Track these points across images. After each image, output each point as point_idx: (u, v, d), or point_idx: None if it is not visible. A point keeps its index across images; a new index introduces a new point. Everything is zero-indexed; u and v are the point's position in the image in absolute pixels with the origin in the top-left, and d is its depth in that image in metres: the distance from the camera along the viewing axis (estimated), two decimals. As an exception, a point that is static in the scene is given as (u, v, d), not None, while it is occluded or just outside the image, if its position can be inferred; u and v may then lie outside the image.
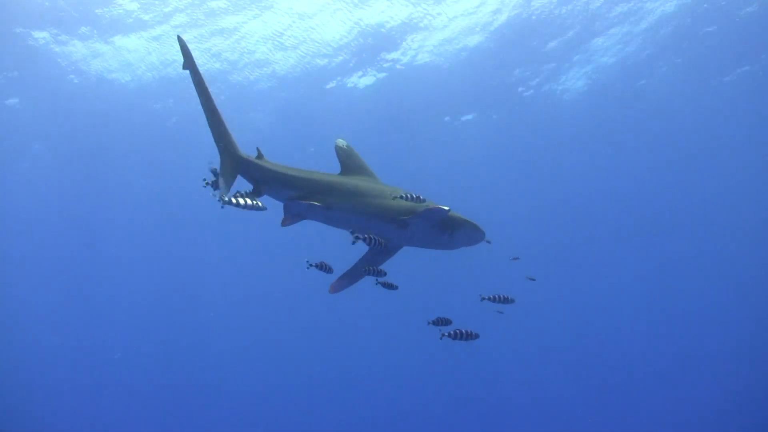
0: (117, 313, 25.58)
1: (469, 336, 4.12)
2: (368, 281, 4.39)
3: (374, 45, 14.57)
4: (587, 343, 23.94)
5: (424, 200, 4.06)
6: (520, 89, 17.35)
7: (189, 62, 4.02)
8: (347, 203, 4.15)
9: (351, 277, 4.40)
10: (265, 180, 4.21)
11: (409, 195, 3.99)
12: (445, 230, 4.18)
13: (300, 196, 4.15)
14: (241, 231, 24.66)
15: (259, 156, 4.32)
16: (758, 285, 23.84)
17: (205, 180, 4.02)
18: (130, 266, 25.89)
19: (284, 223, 4.25)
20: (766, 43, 15.06)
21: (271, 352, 24.59)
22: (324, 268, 4.26)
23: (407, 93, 16.81)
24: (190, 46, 4.12)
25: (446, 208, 3.85)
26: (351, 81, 16.46)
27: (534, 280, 6.43)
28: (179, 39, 4.07)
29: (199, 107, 4.16)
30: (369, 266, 4.28)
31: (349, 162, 4.63)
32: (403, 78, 16.10)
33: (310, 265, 4.24)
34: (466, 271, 18.72)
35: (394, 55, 15.13)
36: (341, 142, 4.72)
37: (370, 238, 3.97)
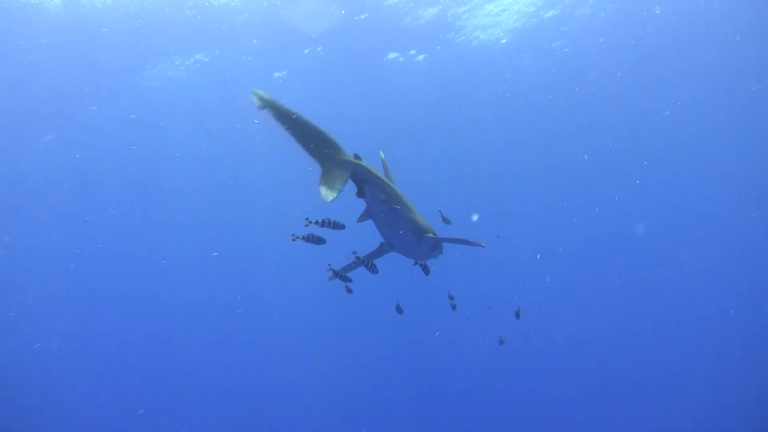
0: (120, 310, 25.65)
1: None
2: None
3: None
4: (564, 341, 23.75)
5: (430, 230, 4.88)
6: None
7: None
8: (406, 212, 4.72)
9: (348, 268, 4.92)
10: (369, 181, 4.48)
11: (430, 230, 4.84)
12: (436, 248, 5.05)
13: (386, 200, 4.59)
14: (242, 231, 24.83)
15: (358, 158, 4.51)
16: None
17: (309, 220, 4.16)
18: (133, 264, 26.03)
19: (359, 220, 4.80)
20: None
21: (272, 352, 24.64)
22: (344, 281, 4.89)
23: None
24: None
25: (483, 244, 4.58)
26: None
27: (518, 316, 6.70)
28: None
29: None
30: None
31: (386, 174, 5.05)
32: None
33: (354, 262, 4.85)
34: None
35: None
36: (382, 155, 5.20)
37: (425, 266, 4.78)
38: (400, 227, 4.77)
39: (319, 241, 4.33)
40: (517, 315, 6.35)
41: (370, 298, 20.07)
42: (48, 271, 23.94)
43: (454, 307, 5.54)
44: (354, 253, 4.20)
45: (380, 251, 5.15)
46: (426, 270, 4.79)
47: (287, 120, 4.08)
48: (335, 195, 4.04)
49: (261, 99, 4.03)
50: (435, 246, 5.08)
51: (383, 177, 4.70)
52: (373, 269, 4.39)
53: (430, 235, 4.88)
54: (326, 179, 4.14)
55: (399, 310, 5.80)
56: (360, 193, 4.50)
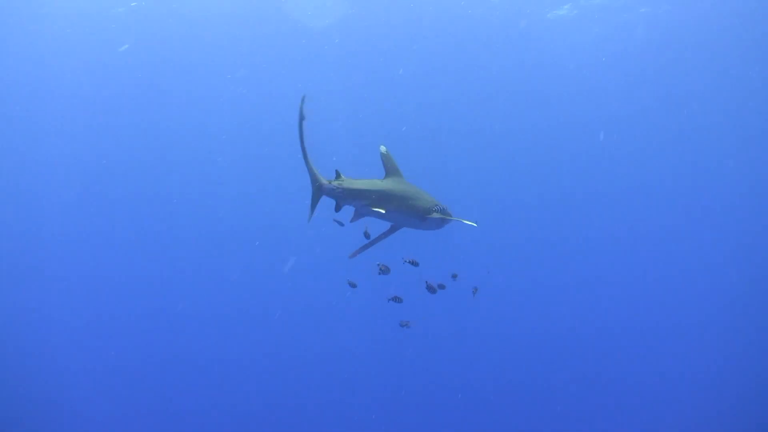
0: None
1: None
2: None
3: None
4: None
5: (437, 205, 5.46)
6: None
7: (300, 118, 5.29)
8: (394, 206, 5.34)
9: (366, 247, 5.60)
10: (344, 197, 5.38)
11: (436, 205, 5.40)
12: (442, 223, 5.46)
13: (368, 203, 5.33)
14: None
15: (338, 176, 5.45)
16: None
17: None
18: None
19: (352, 221, 5.58)
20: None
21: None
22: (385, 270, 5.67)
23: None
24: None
25: (475, 224, 5.20)
26: None
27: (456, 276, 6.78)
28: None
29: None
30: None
31: (389, 166, 5.73)
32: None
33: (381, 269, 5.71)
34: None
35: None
36: (383, 149, 5.76)
37: (432, 287, 5.66)
38: (392, 221, 5.51)
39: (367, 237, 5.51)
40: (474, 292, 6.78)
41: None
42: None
43: (433, 288, 6.01)
44: (378, 265, 5.35)
45: (393, 229, 5.68)
46: (432, 289, 5.66)
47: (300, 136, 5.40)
48: (309, 217, 5.51)
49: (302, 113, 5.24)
50: (441, 222, 5.50)
51: (362, 185, 5.42)
52: (387, 271, 5.44)
53: (434, 215, 5.34)
54: (313, 203, 5.46)
55: (397, 299, 6.16)
56: (337, 208, 5.46)
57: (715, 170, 23.11)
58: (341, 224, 5.68)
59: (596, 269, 25.62)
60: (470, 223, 5.23)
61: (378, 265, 5.48)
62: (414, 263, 5.56)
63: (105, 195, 22.87)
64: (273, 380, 22.22)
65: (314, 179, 5.41)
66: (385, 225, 5.72)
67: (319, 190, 5.39)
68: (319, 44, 16.92)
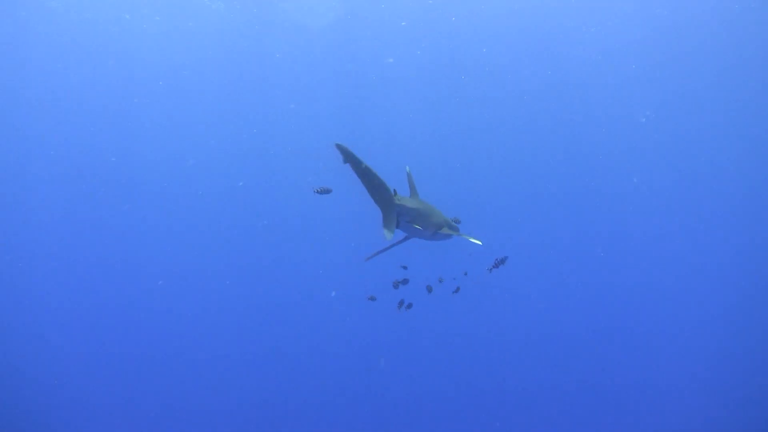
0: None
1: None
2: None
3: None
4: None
5: (447, 221, 6.14)
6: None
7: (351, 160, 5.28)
8: (423, 223, 5.92)
9: (381, 251, 6.10)
10: (401, 213, 5.78)
11: (447, 222, 6.17)
12: (446, 238, 6.19)
13: (410, 220, 5.86)
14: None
15: (395, 194, 5.77)
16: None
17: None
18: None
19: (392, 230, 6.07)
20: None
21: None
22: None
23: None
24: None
25: (480, 242, 5.79)
26: None
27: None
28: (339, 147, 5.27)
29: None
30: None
31: (411, 184, 6.29)
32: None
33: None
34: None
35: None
36: (408, 169, 6.32)
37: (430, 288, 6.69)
38: (420, 235, 6.07)
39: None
40: (400, 305, 7.30)
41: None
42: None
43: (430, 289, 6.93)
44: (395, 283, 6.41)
45: (405, 239, 6.26)
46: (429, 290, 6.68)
47: (362, 172, 5.40)
48: (393, 233, 5.62)
49: (344, 153, 5.19)
50: (445, 237, 6.21)
51: (412, 203, 5.90)
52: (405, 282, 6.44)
53: (444, 231, 6.03)
54: (386, 222, 5.67)
55: (407, 306, 6.89)
56: (397, 224, 5.79)
57: (714, 171, 23.23)
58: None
59: (594, 271, 25.75)
60: (476, 241, 5.81)
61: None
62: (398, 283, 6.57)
63: (104, 194, 22.90)
64: (272, 381, 22.29)
65: (391, 196, 5.65)
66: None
67: (396, 209, 5.71)
68: (317, 44, 16.88)
